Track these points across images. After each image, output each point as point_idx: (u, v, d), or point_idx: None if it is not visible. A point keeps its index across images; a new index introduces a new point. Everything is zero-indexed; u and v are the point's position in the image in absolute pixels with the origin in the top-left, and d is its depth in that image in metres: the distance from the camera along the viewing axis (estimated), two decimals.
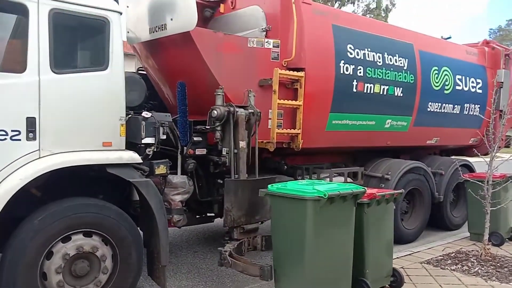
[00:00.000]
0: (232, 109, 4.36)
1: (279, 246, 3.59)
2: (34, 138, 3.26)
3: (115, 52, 3.65)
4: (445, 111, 6.82)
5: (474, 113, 7.22)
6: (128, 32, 4.99)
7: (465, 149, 8.04)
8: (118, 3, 3.90)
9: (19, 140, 3.21)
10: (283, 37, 5.01)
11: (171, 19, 4.46)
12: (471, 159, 7.61)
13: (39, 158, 3.28)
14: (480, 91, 7.36)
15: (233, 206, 4.17)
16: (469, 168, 7.46)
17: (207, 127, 4.47)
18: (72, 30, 3.63)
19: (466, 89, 7.11)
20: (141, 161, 3.76)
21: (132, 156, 3.69)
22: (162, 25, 4.58)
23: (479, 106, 7.32)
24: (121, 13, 3.74)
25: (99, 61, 3.63)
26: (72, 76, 3.49)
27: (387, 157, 6.51)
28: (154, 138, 3.93)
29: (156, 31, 4.66)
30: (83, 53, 3.77)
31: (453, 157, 7.85)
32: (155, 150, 3.97)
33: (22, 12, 3.30)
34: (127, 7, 4.95)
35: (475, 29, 76.54)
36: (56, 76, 3.38)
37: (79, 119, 3.47)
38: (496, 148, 5.55)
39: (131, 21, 4.97)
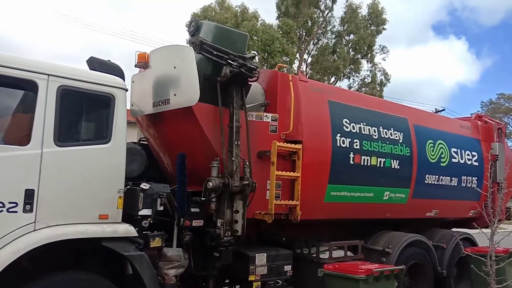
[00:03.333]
0: (227, 180, 4.41)
1: None
2: (30, 210, 3.26)
3: (119, 126, 3.78)
4: (443, 183, 6.85)
5: (472, 186, 7.24)
6: (132, 105, 5.18)
7: (466, 221, 7.94)
8: (124, 79, 4.12)
9: (16, 212, 3.22)
10: (281, 111, 5.20)
11: (175, 95, 4.67)
12: (472, 231, 7.49)
13: (34, 230, 3.25)
14: (476, 163, 7.45)
15: None
16: (470, 241, 7.32)
17: (202, 198, 4.48)
18: (78, 105, 3.79)
19: (462, 161, 7.21)
20: (137, 235, 3.72)
21: (128, 230, 3.66)
22: (165, 99, 4.77)
23: (476, 178, 7.37)
24: (126, 90, 3.93)
25: (102, 135, 3.75)
26: (75, 149, 3.58)
27: (387, 230, 6.42)
28: (151, 209, 3.93)
29: (160, 105, 4.85)
30: (87, 126, 3.91)
31: (453, 229, 7.73)
32: (151, 222, 3.94)
33: (31, 88, 3.46)
34: (132, 81, 5.20)
35: (467, 101, 79.46)
36: (58, 149, 3.46)
37: (78, 192, 3.50)
38: (496, 222, 5.50)
39: (135, 95, 5.19)
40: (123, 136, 3.79)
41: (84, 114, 3.92)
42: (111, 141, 3.73)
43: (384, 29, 24.85)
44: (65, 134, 3.57)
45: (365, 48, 24.48)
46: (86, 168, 3.58)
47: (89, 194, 3.55)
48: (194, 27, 4.89)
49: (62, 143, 3.50)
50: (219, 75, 4.60)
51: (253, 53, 5.23)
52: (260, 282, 4.75)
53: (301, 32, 24.67)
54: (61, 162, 3.46)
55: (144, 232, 3.90)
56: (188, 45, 4.92)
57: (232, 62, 4.54)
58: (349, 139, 5.57)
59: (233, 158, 4.55)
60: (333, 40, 25.31)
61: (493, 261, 5.28)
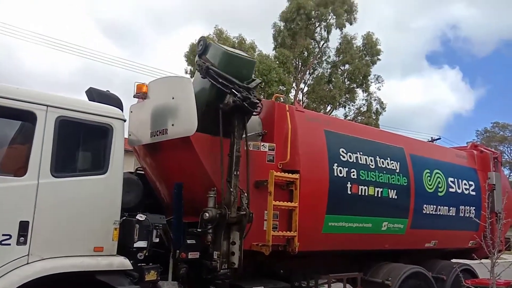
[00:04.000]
0: (224, 211, 4.37)
1: None
2: (24, 243, 3.21)
3: (116, 156, 3.77)
4: (441, 213, 6.81)
5: (470, 216, 7.19)
6: (130, 134, 5.20)
7: (465, 252, 7.84)
8: (122, 110, 4.15)
9: (9, 244, 3.16)
10: (278, 141, 5.23)
11: (173, 125, 4.69)
12: (472, 262, 7.38)
13: (28, 263, 3.18)
14: (473, 193, 7.44)
15: None
16: (471, 273, 7.21)
17: (199, 230, 4.43)
18: (76, 135, 3.80)
19: (459, 191, 7.20)
20: (132, 268, 3.64)
21: (123, 262, 3.59)
22: (163, 129, 4.79)
23: (474, 208, 7.33)
24: (125, 120, 3.95)
25: (99, 165, 3.74)
26: (71, 180, 3.55)
27: (386, 261, 6.33)
28: (146, 241, 3.86)
29: (157, 135, 4.86)
30: (84, 157, 3.90)
31: (453, 260, 7.62)
32: (146, 254, 3.87)
33: (30, 119, 3.47)
34: (131, 112, 5.23)
35: (462, 130, 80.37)
36: (55, 180, 3.44)
37: (73, 223, 3.46)
38: (496, 253, 5.44)
39: (133, 125, 5.21)
40: (120, 166, 3.78)
41: (81, 144, 3.92)
42: (108, 172, 3.71)
43: (378, 59, 25.33)
44: (62, 165, 3.56)
45: (360, 77, 24.85)
46: (82, 199, 3.54)
47: (85, 225, 3.50)
48: (202, 46, 4.90)
49: (59, 173, 3.48)
50: (222, 101, 4.59)
51: (259, 79, 5.21)
52: None
53: (297, 62, 25.12)
54: (57, 193, 3.43)
55: (139, 265, 3.83)
56: (195, 66, 4.94)
57: (236, 93, 4.54)
58: (346, 169, 5.58)
59: (231, 189, 4.53)
60: (328, 70, 25.73)
61: None
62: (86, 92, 4.53)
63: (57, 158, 3.48)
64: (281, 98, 6.43)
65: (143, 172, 5.49)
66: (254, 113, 4.82)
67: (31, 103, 3.47)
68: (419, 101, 69.48)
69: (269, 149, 5.17)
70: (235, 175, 4.58)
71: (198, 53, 4.94)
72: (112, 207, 3.66)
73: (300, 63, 25.41)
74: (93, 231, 3.54)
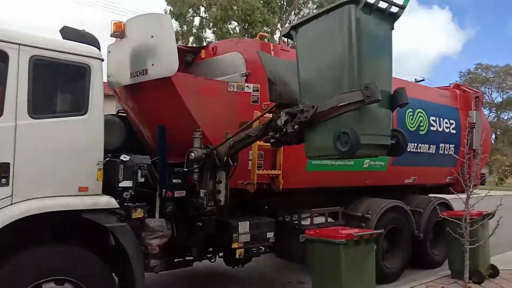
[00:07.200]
0: (209, 151, 4.40)
1: None
2: (7, 184, 3.21)
3: (95, 97, 3.69)
4: (421, 151, 7.00)
5: (449, 153, 7.42)
6: (109, 76, 5.06)
7: (443, 187, 8.19)
8: (99, 49, 3.99)
9: None
10: (262, 81, 5.15)
11: (152, 65, 4.56)
12: (449, 196, 7.75)
13: (11, 204, 3.21)
14: (454, 131, 7.61)
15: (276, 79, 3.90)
16: (447, 206, 7.57)
17: (185, 169, 4.48)
18: (52, 76, 3.67)
19: (440, 129, 7.35)
20: (118, 206, 3.71)
21: (109, 201, 3.65)
22: (143, 70, 4.67)
23: (453, 145, 7.55)
24: (102, 60, 3.82)
25: (79, 106, 3.66)
26: (50, 121, 3.49)
27: (367, 196, 6.58)
28: (132, 181, 3.91)
29: (137, 76, 4.74)
30: (62, 98, 3.80)
31: (431, 195, 7.97)
32: (132, 193, 3.93)
33: (2, 58, 3.33)
34: (109, 52, 5.05)
35: (449, 72, 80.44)
36: (33, 121, 3.38)
37: (56, 165, 3.44)
38: (471, 187, 5.69)
39: (112, 66, 5.05)
40: (100, 107, 3.72)
41: (59, 85, 3.80)
42: (88, 113, 3.65)
43: None
44: (40, 106, 3.48)
45: None
46: (64, 140, 3.51)
47: (68, 166, 3.50)
48: None
49: (37, 115, 3.41)
50: None
51: None
52: (243, 249, 4.84)
53: (282, 2, 24.24)
54: (37, 134, 3.39)
55: (125, 204, 3.90)
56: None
57: None
58: None
59: None
60: (314, 10, 24.98)
61: (467, 224, 5.50)
62: (60, 31, 4.33)
63: (34, 99, 3.39)
64: (266, 38, 6.25)
65: (124, 115, 5.42)
66: None
67: (1, 41, 3.30)
68: (408, 43, 68.69)
69: (253, 90, 5.12)
70: None
71: None
72: (94, 148, 3.65)
73: (285, 3, 24.53)
74: (77, 171, 3.54)
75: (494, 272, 6.41)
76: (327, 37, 3.55)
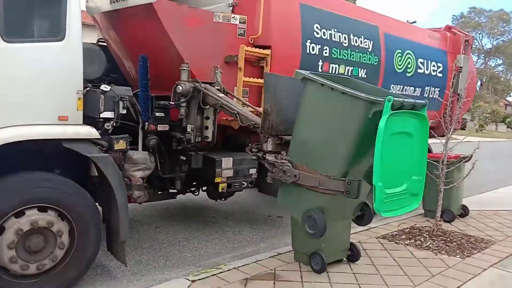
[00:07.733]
0: (197, 85, 4.31)
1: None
2: None
3: (73, 22, 3.48)
4: (407, 93, 7.00)
5: (434, 96, 7.46)
6: (87, 1, 4.77)
7: None
8: None
9: None
10: (250, 13, 4.94)
11: None
12: (430, 141, 7.90)
13: None
14: (440, 74, 7.59)
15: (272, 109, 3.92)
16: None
17: (171, 102, 4.40)
18: None
19: (427, 72, 7.32)
20: (99, 136, 3.66)
21: (90, 131, 3.59)
22: None
23: (439, 89, 7.57)
24: None
25: (55, 32, 3.46)
26: (25, 46, 3.32)
27: None
28: (113, 112, 3.83)
29: (117, 1, 4.48)
30: (38, 22, 3.56)
31: None
32: (114, 125, 3.87)
33: None
34: None
35: (443, 16, 78.34)
36: (7, 45, 3.20)
37: (33, 92, 3.32)
38: (452, 130, 5.79)
39: None
40: (78, 33, 3.52)
41: (34, 8, 3.55)
42: (66, 39, 3.46)
43: None
44: (14, 30, 3.27)
45: None
46: (40, 66, 3.35)
47: (46, 94, 3.38)
48: None
49: (11, 38, 3.23)
50: None
51: None
52: (226, 184, 4.94)
53: None
54: (12, 59, 3.22)
55: (107, 135, 3.85)
56: None
57: None
58: (319, 46, 5.46)
59: None
60: None
61: (444, 165, 5.68)
62: None
63: (6, 22, 3.19)
64: None
65: (105, 44, 5.19)
66: None
67: None
68: None
69: (240, 22, 4.92)
70: None
71: None
72: (73, 76, 3.50)
73: None
74: (56, 100, 3.43)
75: (464, 212, 6.75)
76: (338, 115, 3.62)
